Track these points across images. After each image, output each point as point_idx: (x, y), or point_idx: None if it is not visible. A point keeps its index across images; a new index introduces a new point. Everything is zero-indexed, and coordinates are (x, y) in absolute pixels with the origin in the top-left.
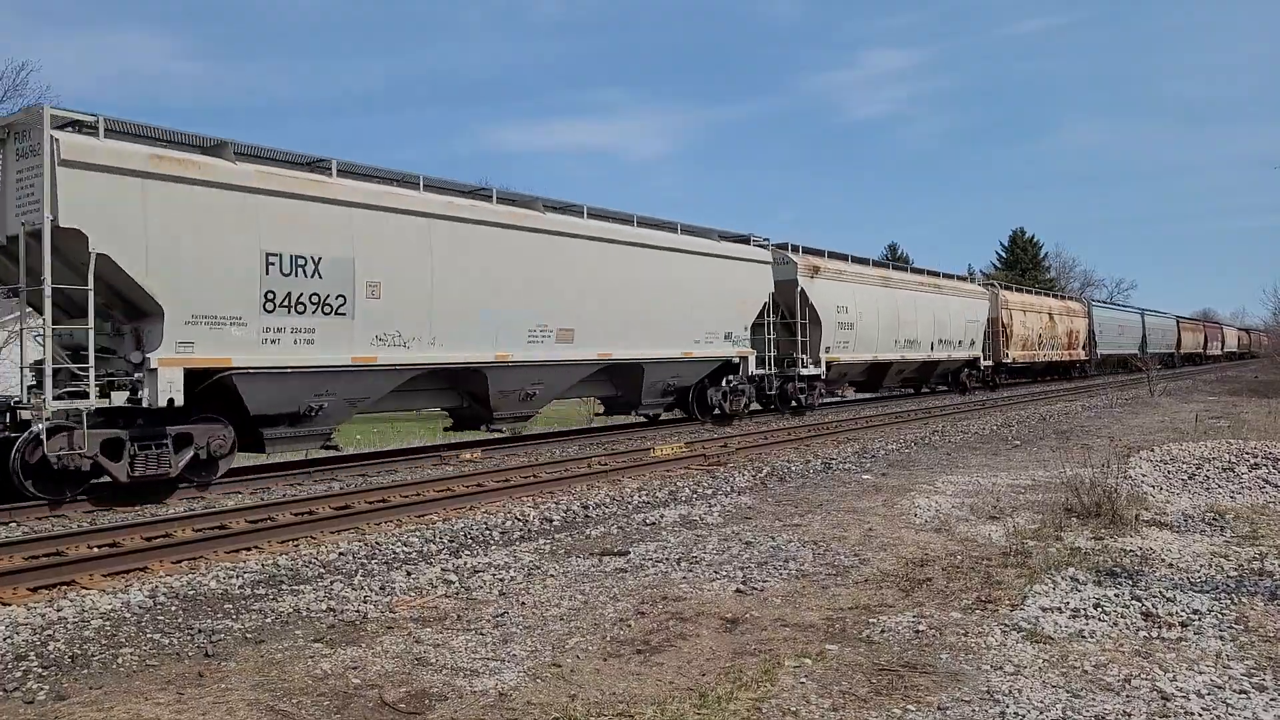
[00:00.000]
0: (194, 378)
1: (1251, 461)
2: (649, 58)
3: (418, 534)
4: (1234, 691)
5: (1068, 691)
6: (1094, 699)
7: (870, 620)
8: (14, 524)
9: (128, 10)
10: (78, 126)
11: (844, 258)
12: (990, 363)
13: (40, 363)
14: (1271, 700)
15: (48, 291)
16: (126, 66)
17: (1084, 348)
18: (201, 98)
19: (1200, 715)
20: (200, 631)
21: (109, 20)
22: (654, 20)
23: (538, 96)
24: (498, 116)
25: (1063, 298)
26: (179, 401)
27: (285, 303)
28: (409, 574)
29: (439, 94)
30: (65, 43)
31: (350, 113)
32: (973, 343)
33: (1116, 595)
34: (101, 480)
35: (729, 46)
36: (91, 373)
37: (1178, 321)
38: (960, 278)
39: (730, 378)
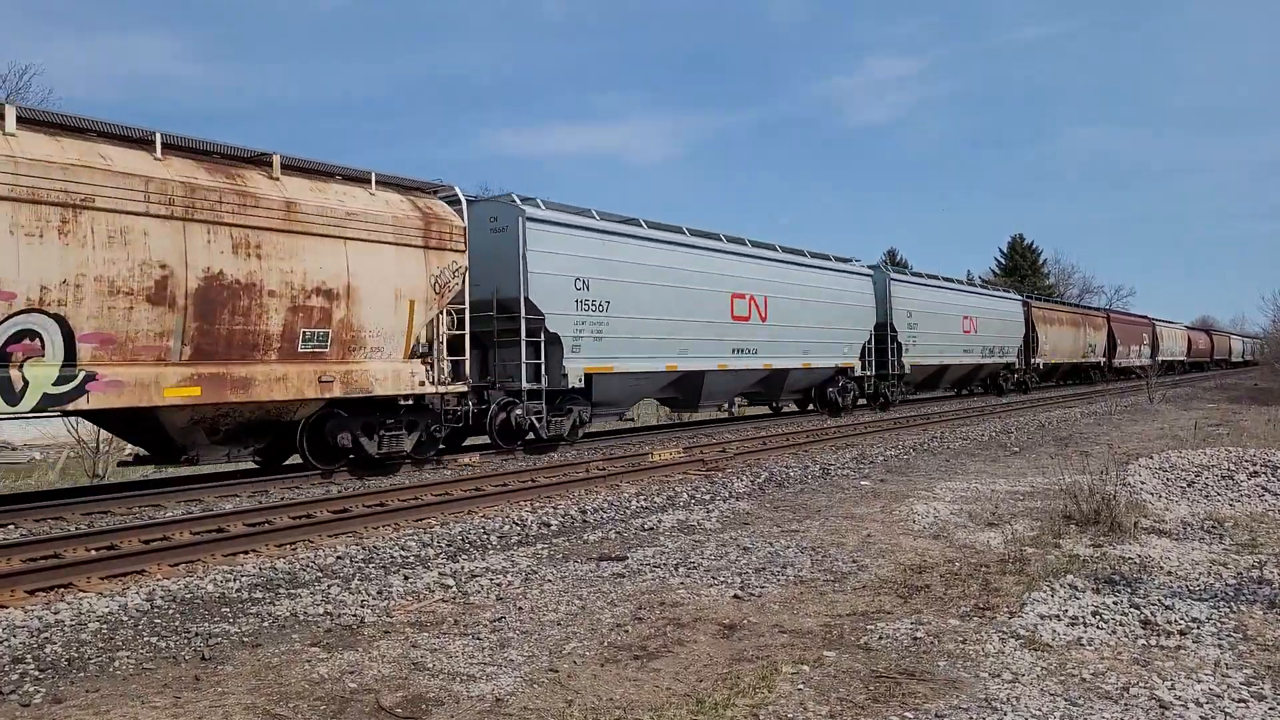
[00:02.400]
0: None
1: (1251, 469)
2: (652, 62)
3: (415, 538)
4: (1233, 700)
5: (1066, 699)
6: (1092, 707)
7: (868, 627)
8: (12, 525)
9: (131, 12)
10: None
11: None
12: None
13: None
14: (1270, 709)
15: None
16: (130, 69)
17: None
18: (205, 100)
19: None
20: (197, 635)
21: (112, 23)
22: (657, 24)
23: (540, 100)
24: (500, 120)
25: (404, 187)
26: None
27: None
28: (406, 578)
29: (441, 97)
30: (69, 45)
31: (353, 114)
32: None
33: (1115, 603)
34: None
35: (732, 51)
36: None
37: (1026, 308)
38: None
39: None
